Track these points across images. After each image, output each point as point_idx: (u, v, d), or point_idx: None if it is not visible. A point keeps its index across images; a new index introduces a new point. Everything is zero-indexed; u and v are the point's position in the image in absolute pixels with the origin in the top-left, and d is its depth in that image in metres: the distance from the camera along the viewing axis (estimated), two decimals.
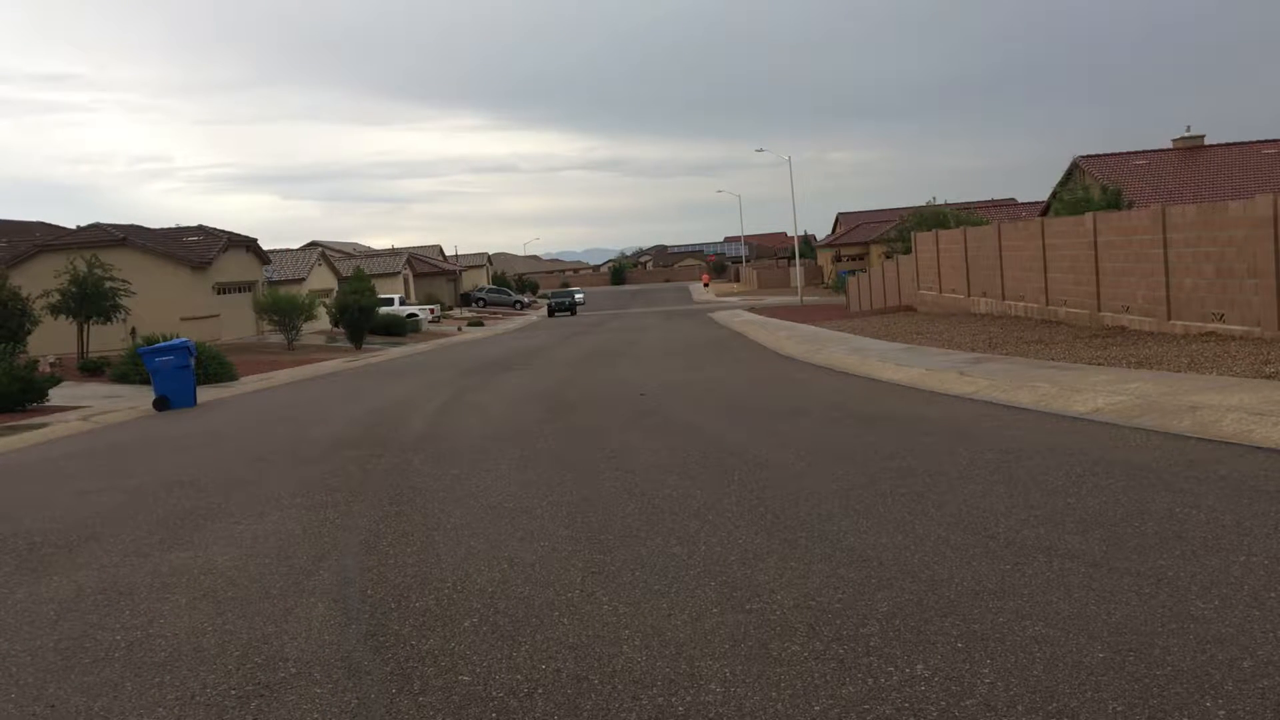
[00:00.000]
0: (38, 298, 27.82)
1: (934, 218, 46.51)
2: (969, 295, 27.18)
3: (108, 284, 29.42)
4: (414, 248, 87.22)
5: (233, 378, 25.88)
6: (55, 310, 28.91)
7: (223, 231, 43.97)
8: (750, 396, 14.18)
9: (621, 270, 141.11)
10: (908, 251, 35.55)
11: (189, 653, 4.90)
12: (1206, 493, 6.40)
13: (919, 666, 4.01)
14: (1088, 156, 39.02)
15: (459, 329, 54.78)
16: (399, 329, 47.08)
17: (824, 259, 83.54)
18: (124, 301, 29.96)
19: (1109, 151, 39.95)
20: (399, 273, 68.60)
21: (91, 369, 28.11)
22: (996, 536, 5.75)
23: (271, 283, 46.73)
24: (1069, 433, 9.07)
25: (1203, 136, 40.15)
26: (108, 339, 31.84)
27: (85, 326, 29.86)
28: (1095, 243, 19.06)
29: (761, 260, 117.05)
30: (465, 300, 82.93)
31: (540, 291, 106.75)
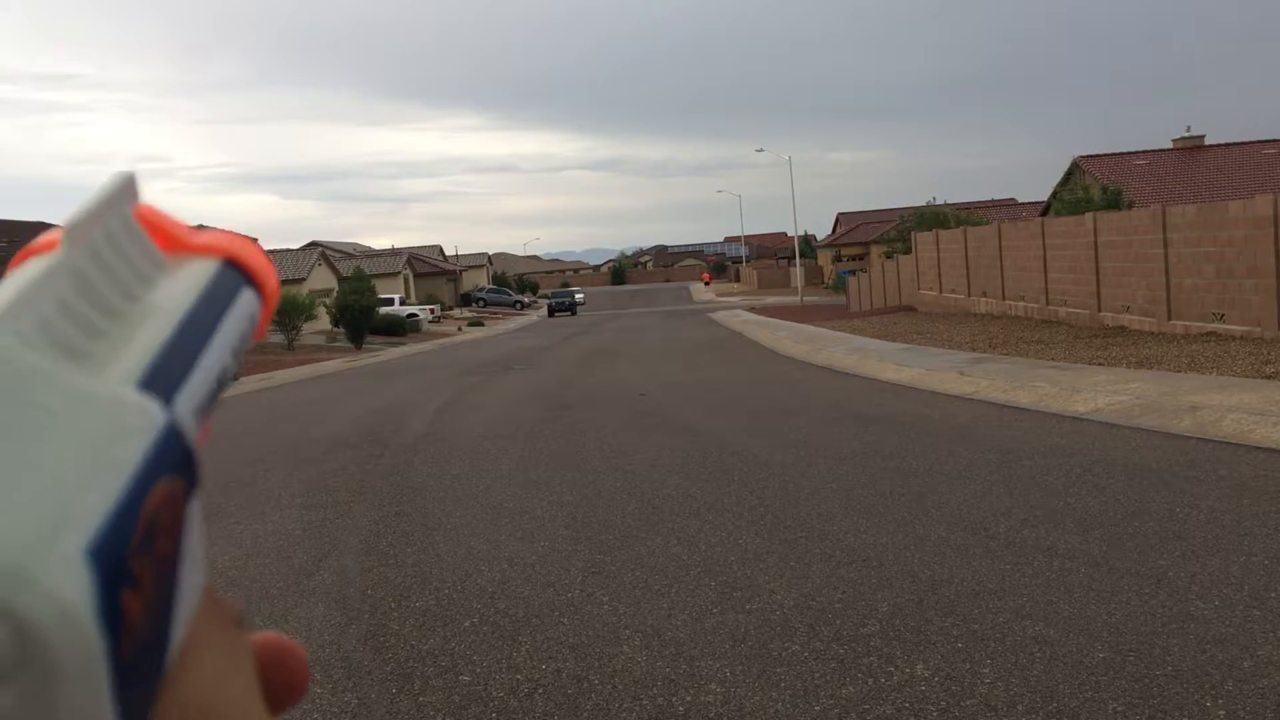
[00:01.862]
0: None
1: (934, 218, 46.48)
2: (969, 295, 27.19)
3: None
4: (414, 248, 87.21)
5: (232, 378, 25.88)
6: None
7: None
8: (750, 396, 14.18)
9: (622, 270, 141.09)
10: (908, 252, 35.55)
11: None
12: (1206, 493, 6.40)
13: (919, 666, 4.01)
14: (1088, 156, 39.01)
15: (459, 329, 54.80)
16: (399, 329, 47.08)
17: (824, 259, 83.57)
18: None
19: (1109, 151, 39.95)
20: (399, 273, 68.60)
21: None
22: (997, 536, 5.75)
23: None
24: (1069, 433, 9.07)
25: (1203, 136, 40.13)
26: None
27: None
28: (1095, 243, 19.07)
29: (761, 260, 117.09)
30: (465, 300, 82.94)
31: (540, 291, 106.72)
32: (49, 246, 0.41)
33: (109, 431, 0.33)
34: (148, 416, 0.35)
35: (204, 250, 0.45)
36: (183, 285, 0.42)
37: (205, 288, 0.43)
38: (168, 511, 0.34)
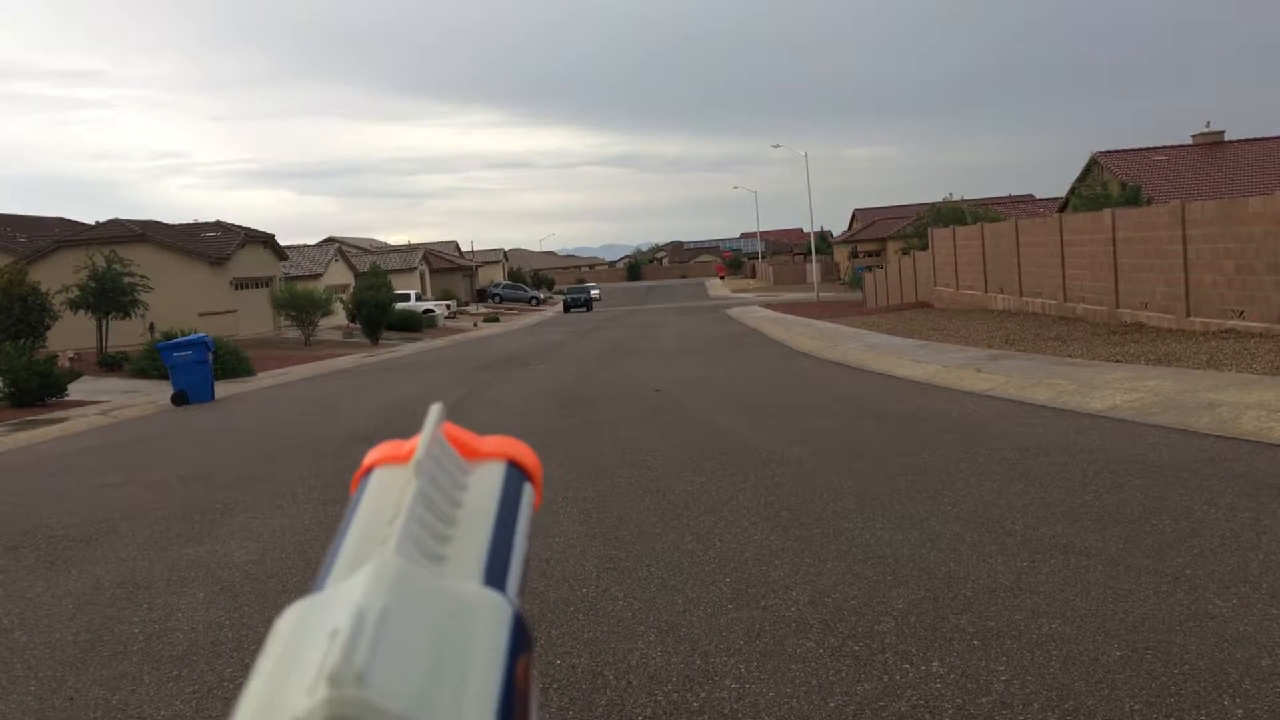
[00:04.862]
0: (57, 293, 28.00)
1: (951, 214, 46.24)
2: (986, 292, 27.06)
3: (126, 279, 29.58)
4: (430, 243, 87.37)
5: (250, 373, 26.00)
6: (74, 305, 29.08)
7: (240, 227, 44.15)
8: (766, 393, 14.15)
9: (638, 266, 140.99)
10: (924, 248, 35.40)
11: (206, 646, 4.93)
12: (1225, 490, 6.36)
13: (934, 663, 4.00)
14: (1106, 152, 38.76)
15: (475, 324, 54.90)
16: (415, 324, 47.18)
17: (840, 255, 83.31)
18: (142, 297, 30.13)
19: (1128, 147, 39.69)
20: (415, 268, 68.77)
21: (110, 364, 28.29)
22: (1013, 534, 5.73)
23: (288, 278, 46.88)
24: (1086, 430, 9.02)
25: (1222, 132, 39.83)
26: (126, 334, 32.02)
27: (104, 322, 30.04)
28: (1114, 239, 18.95)
29: (778, 256, 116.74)
30: (481, 296, 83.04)
31: (556, 287, 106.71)
32: (389, 460, 0.55)
33: (486, 624, 0.43)
34: (501, 608, 0.45)
35: (490, 455, 0.56)
36: (485, 487, 0.54)
37: (501, 489, 0.54)
38: (524, 680, 0.43)
